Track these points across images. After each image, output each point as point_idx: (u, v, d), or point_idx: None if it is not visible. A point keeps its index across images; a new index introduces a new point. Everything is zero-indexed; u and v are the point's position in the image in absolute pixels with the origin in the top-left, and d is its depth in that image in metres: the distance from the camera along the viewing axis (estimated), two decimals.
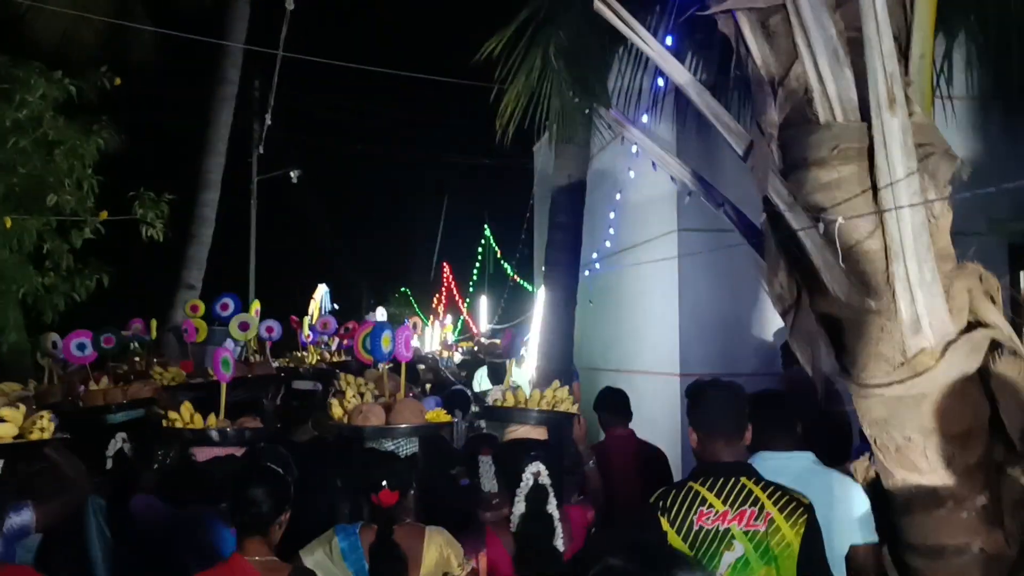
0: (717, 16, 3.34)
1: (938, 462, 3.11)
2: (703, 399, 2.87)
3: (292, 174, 19.19)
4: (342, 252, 30.92)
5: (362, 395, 3.57)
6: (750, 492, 2.67)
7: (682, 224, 8.51)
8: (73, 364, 4.84)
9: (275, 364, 6.94)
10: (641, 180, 8.92)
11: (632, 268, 9.45)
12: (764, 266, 3.48)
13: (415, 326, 11.78)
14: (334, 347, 7.79)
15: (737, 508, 2.65)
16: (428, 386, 5.93)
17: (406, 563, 2.85)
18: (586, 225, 8.40)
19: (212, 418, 3.67)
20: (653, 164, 6.80)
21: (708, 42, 5.47)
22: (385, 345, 3.57)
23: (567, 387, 3.75)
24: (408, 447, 3.15)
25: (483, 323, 21.00)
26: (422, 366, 7.87)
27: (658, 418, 7.82)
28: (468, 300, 27.63)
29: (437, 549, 2.94)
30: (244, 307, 6.26)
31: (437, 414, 3.47)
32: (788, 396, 3.53)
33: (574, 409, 3.58)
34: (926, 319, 3.03)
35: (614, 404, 5.14)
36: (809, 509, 2.67)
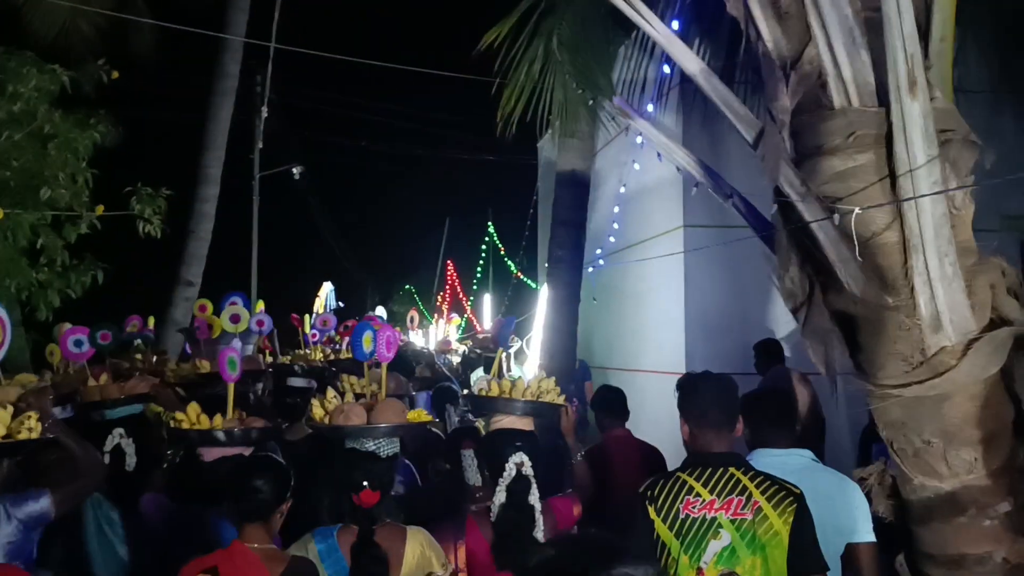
0: None
1: (959, 467, 2.96)
2: (693, 391, 2.86)
3: (294, 170, 19.07)
4: (347, 250, 30.85)
5: (342, 394, 3.52)
6: (739, 482, 2.66)
7: (688, 220, 8.37)
8: (72, 361, 4.78)
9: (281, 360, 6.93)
10: (646, 175, 8.77)
11: (637, 265, 9.30)
12: (775, 260, 3.33)
13: (412, 319, 11.69)
14: (343, 345, 7.70)
15: (725, 497, 2.63)
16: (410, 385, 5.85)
17: (387, 563, 2.83)
18: (590, 222, 8.26)
19: (219, 418, 3.64)
20: (659, 155, 6.63)
21: (715, 29, 5.31)
22: (366, 345, 3.51)
23: (582, 384, 3.66)
24: (389, 447, 3.10)
25: (487, 321, 20.84)
26: (419, 364, 7.77)
27: (663, 418, 7.62)
28: (472, 298, 27.52)
29: (418, 549, 2.92)
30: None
31: (419, 414, 3.40)
32: (787, 395, 3.50)
33: (560, 400, 3.51)
34: (947, 316, 2.87)
35: (612, 404, 5.00)
36: (799, 498, 2.63)
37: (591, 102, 6.69)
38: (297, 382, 5.52)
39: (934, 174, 2.77)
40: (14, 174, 7.51)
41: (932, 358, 2.93)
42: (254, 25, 12.95)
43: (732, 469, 2.68)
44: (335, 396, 3.37)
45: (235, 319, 5.74)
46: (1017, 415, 2.96)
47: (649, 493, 2.69)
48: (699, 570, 2.57)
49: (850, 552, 3.05)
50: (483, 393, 3.42)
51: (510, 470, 3.06)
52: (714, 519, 2.61)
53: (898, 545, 3.26)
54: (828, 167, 2.99)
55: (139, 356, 5.83)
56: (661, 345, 8.72)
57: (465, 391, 6.05)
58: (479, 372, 8.06)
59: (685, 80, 7.68)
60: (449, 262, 30.18)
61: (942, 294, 2.85)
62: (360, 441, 3.08)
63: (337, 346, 7.97)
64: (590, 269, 9.05)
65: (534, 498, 3.05)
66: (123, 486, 3.68)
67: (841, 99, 2.95)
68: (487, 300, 23.29)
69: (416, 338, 11.74)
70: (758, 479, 2.66)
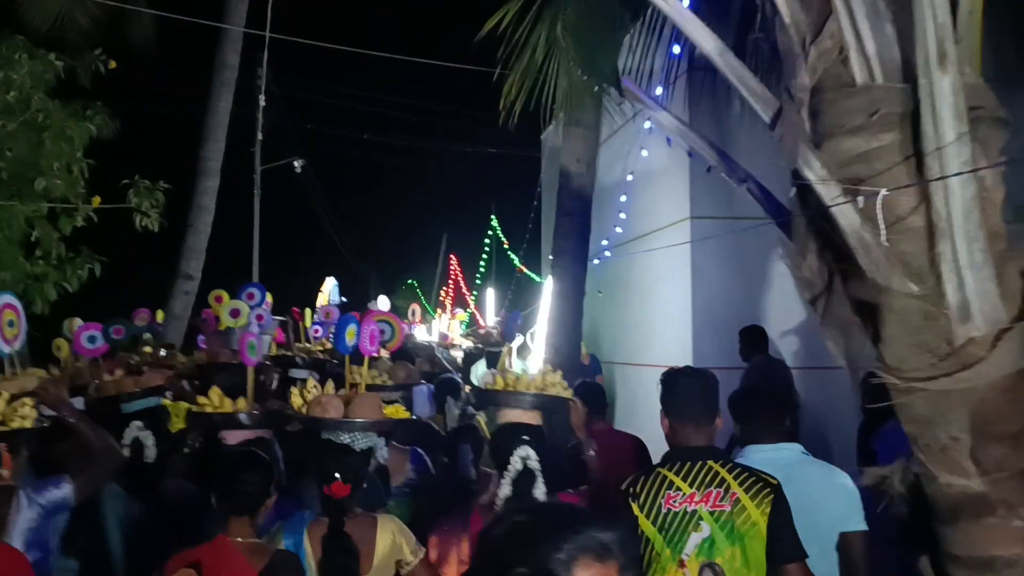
0: None
1: (988, 464, 2.80)
2: (674, 385, 2.95)
3: (296, 163, 18.92)
4: (349, 244, 30.70)
5: (355, 387, 3.57)
6: (716, 474, 2.73)
7: (695, 211, 8.22)
8: (84, 356, 4.89)
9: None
10: (652, 165, 8.60)
11: (643, 258, 9.15)
12: (791, 248, 3.17)
13: (413, 313, 11.56)
14: None
15: (704, 490, 2.71)
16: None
17: (357, 555, 2.89)
18: (595, 213, 8.09)
19: (241, 401, 3.74)
20: (668, 140, 6.50)
21: (724, 11, 5.14)
22: (349, 338, 3.56)
23: (593, 378, 3.60)
24: (364, 441, 3.14)
25: (490, 316, 20.69)
26: (419, 357, 7.70)
27: None
28: (475, 293, 27.37)
29: (389, 537, 2.98)
30: None
31: (396, 410, 3.49)
32: (779, 390, 3.46)
33: (567, 393, 3.51)
34: (976, 305, 2.71)
35: (595, 399, 4.93)
36: (776, 489, 2.71)
37: (596, 89, 6.53)
38: (299, 373, 5.56)
39: (964, 153, 2.60)
40: (8, 164, 7.39)
41: (960, 350, 2.77)
42: (254, 15, 12.82)
43: (711, 462, 2.76)
44: (315, 386, 3.39)
45: (235, 314, 5.78)
46: None
47: (632, 490, 2.78)
48: (681, 562, 2.60)
49: (843, 541, 3.13)
50: (489, 387, 3.39)
51: (515, 464, 3.04)
52: (694, 512, 2.69)
53: (922, 546, 3.11)
54: (850, 147, 2.83)
55: (148, 349, 5.94)
56: (668, 338, 8.57)
57: (467, 387, 6.03)
58: (481, 367, 7.93)
59: (692, 68, 7.51)
60: (452, 256, 30.03)
61: (971, 282, 2.69)
62: (335, 433, 3.10)
63: None
64: (595, 261, 8.88)
65: (539, 492, 3.03)
66: (143, 478, 3.77)
67: (864, 75, 2.79)
68: (490, 294, 23.13)
69: (420, 332, 11.62)
70: (736, 471, 2.74)
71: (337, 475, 2.94)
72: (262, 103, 16.16)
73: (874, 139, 2.78)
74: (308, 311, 8.19)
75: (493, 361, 8.67)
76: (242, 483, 2.87)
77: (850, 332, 2.98)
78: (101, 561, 3.48)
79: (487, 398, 3.47)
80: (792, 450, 3.26)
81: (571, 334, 7.83)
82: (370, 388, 4.05)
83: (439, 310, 24.70)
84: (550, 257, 8.37)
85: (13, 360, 3.73)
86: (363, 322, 3.57)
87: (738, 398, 3.57)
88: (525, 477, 3.03)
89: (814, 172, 2.87)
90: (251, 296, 6.12)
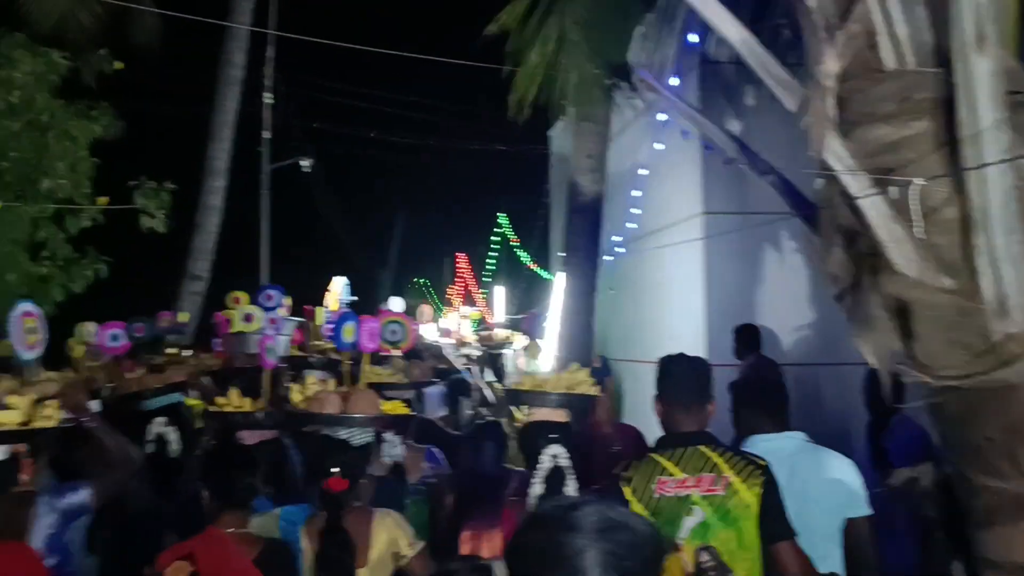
0: None
1: None
2: (667, 371, 3.01)
3: (303, 163, 18.83)
4: (359, 244, 30.60)
5: (325, 382, 3.66)
6: (708, 459, 2.78)
7: (708, 207, 8.08)
8: (106, 354, 5.00)
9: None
10: (665, 160, 8.47)
11: (655, 254, 9.01)
12: (815, 242, 3.05)
13: (421, 313, 11.46)
14: None
15: (696, 475, 2.76)
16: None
17: (354, 549, 2.92)
18: (606, 210, 7.98)
19: (259, 402, 3.80)
20: (683, 133, 6.36)
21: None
22: (346, 335, 3.60)
23: (600, 379, 3.71)
24: (362, 437, 3.18)
25: (499, 314, 20.59)
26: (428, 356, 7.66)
27: None
28: (485, 291, 27.26)
29: (386, 531, 3.02)
30: None
31: (394, 406, 3.54)
32: (777, 381, 3.67)
33: (594, 391, 3.55)
34: (1014, 300, 2.59)
35: None
36: (766, 471, 2.76)
37: (608, 81, 6.43)
38: (315, 374, 5.42)
39: (1002, 141, 2.48)
40: (12, 165, 7.30)
41: (996, 346, 2.64)
42: (261, 14, 12.73)
43: (702, 448, 2.80)
44: (315, 382, 3.48)
45: (248, 318, 5.82)
46: None
47: (624, 475, 2.83)
48: (676, 546, 2.56)
49: (849, 526, 3.15)
50: (517, 387, 3.48)
51: (545, 462, 3.08)
52: (687, 496, 2.74)
53: (953, 551, 3.00)
54: (879, 136, 2.71)
55: (171, 351, 5.98)
56: (681, 336, 8.42)
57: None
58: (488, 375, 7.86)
59: (705, 61, 7.40)
60: (460, 255, 29.93)
61: (1009, 275, 2.57)
62: (334, 429, 3.15)
63: None
64: (607, 258, 8.76)
65: (571, 489, 3.07)
66: (167, 473, 3.87)
67: (894, 60, 2.67)
68: (499, 292, 23.02)
69: (429, 332, 11.53)
70: (727, 455, 2.79)
71: (334, 470, 2.97)
72: (267, 99, 16.04)
73: (905, 127, 2.66)
74: (320, 310, 8.13)
75: (494, 362, 8.63)
76: (232, 478, 2.94)
77: (880, 329, 2.85)
78: (122, 557, 3.52)
79: (513, 398, 3.54)
80: (796, 438, 3.30)
81: (583, 331, 7.74)
82: (384, 386, 4.13)
83: (447, 308, 24.60)
84: (561, 254, 8.26)
85: (34, 366, 3.77)
86: (365, 320, 3.60)
87: (740, 389, 3.60)
88: (555, 475, 3.06)
89: (841, 162, 2.75)
90: (269, 297, 6.05)
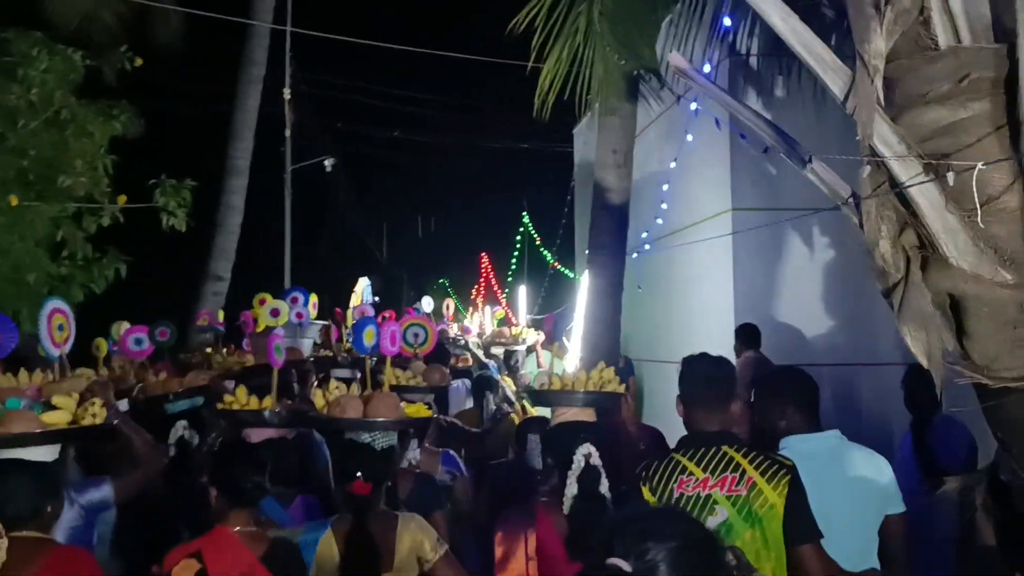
0: None
1: None
2: (689, 371, 2.99)
3: (326, 163, 18.78)
4: (380, 244, 30.60)
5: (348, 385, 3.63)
6: (731, 459, 2.75)
7: (736, 203, 7.90)
8: (130, 358, 5.02)
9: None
10: (693, 156, 8.28)
11: (682, 252, 8.83)
12: (863, 234, 2.86)
13: (448, 307, 11.44)
14: None
15: (718, 475, 2.73)
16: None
17: (379, 553, 2.93)
18: (633, 207, 7.80)
19: (268, 400, 3.79)
20: (716, 122, 6.16)
21: None
22: (367, 339, 3.64)
23: (623, 380, 3.66)
24: (385, 440, 3.21)
25: (522, 314, 20.42)
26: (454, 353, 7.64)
27: None
28: (507, 291, 27.09)
29: (410, 536, 3.01)
30: None
31: (418, 408, 3.55)
32: (805, 378, 3.40)
33: (620, 389, 3.57)
34: None
35: None
36: (792, 470, 2.72)
37: (635, 73, 6.24)
38: (341, 373, 5.65)
39: None
40: (32, 164, 7.24)
41: None
42: (283, 12, 12.67)
43: (724, 447, 2.78)
44: (337, 387, 3.49)
45: (275, 313, 5.87)
46: None
47: (644, 474, 2.81)
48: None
49: (886, 523, 3.15)
50: (545, 387, 3.45)
51: (578, 461, 3.04)
52: (709, 496, 2.72)
53: (1015, 562, 2.81)
54: (932, 119, 2.52)
55: (210, 350, 6.11)
56: (709, 336, 8.23)
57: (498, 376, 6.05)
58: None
59: (734, 52, 7.20)
60: (483, 254, 29.78)
61: None
62: (357, 433, 3.18)
63: None
64: (634, 255, 8.59)
65: (604, 488, 3.04)
66: (189, 475, 3.82)
67: (949, 37, 2.48)
68: (522, 292, 22.86)
69: (452, 329, 11.51)
70: (751, 455, 2.75)
71: (359, 474, 2.97)
72: (287, 95, 15.97)
73: (961, 108, 2.47)
74: (349, 312, 8.12)
75: (507, 359, 8.56)
76: (238, 477, 2.95)
77: (932, 327, 2.66)
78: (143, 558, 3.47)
79: (541, 399, 3.53)
80: (833, 437, 3.26)
81: (610, 332, 7.57)
82: (402, 389, 4.13)
83: (471, 309, 24.49)
84: (586, 252, 8.10)
85: (63, 363, 3.79)
86: (385, 324, 3.63)
87: (763, 393, 3.52)
88: (589, 474, 3.03)
89: (890, 148, 2.56)
90: (295, 300, 6.21)
